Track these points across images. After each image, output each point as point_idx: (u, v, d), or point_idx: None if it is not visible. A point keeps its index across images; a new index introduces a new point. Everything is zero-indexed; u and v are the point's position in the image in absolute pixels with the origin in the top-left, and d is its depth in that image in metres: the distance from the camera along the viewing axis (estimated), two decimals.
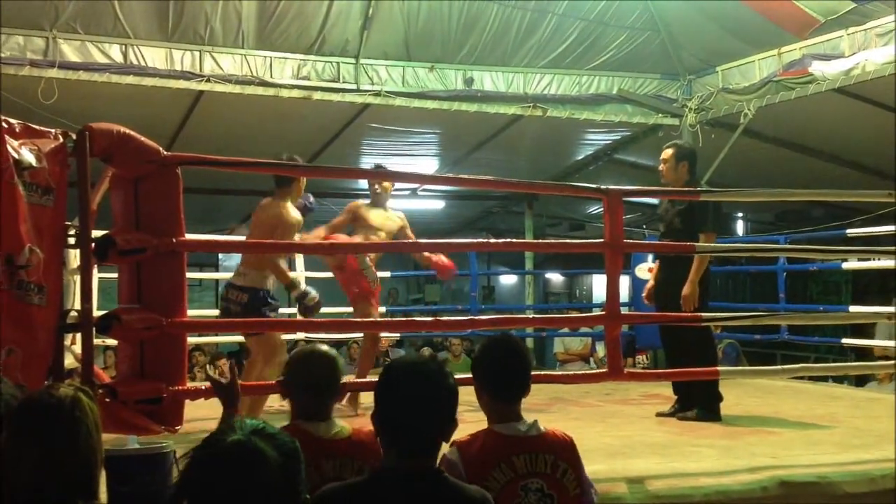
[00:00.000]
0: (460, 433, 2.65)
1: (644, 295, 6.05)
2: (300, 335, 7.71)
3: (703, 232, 5.56)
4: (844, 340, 8.69)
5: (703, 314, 5.23)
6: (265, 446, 1.62)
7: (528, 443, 2.69)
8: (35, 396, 2.23)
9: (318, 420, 2.78)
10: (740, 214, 14.74)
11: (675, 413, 5.71)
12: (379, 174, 6.57)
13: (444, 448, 2.40)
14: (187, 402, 3.82)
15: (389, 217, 6.38)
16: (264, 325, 5.20)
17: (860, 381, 8.81)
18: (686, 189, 5.67)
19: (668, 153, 5.90)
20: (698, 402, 5.59)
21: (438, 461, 2.38)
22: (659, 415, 5.74)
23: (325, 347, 3.05)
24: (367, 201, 6.50)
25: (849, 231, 8.07)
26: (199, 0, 7.92)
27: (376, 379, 2.35)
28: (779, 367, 8.04)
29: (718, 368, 5.00)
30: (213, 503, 1.59)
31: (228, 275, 15.08)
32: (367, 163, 10.70)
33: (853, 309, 8.57)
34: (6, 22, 7.38)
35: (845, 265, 8.43)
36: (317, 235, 6.17)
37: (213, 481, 1.59)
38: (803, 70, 8.05)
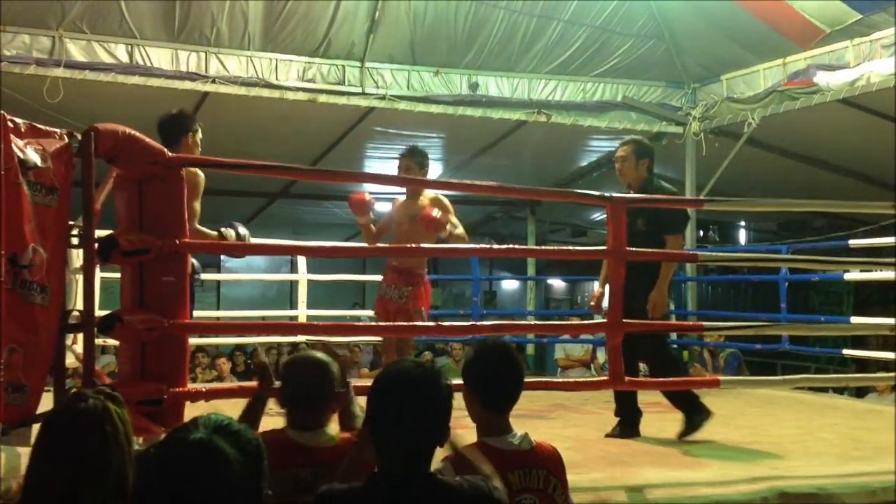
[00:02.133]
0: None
1: (592, 304, 5.67)
2: (301, 338, 7.71)
3: (670, 234, 5.26)
4: (845, 351, 8.68)
5: (705, 323, 5.15)
6: (226, 445, 1.61)
7: (522, 457, 2.63)
8: (66, 409, 2.18)
9: (307, 429, 2.73)
10: (743, 223, 14.75)
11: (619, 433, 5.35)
12: (381, 178, 6.46)
13: (437, 459, 2.38)
14: (188, 403, 3.82)
15: (413, 204, 5.69)
16: (265, 329, 5.17)
17: (860, 392, 8.81)
18: (690, 199, 5.58)
19: (625, 150, 5.48)
20: (684, 413, 5.31)
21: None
22: (608, 436, 5.35)
23: (318, 354, 2.94)
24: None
25: (851, 242, 8.06)
26: (206, 1, 7.94)
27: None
28: (779, 377, 8.04)
29: (720, 378, 4.97)
30: (173, 502, 1.58)
31: (230, 276, 15.09)
32: (372, 166, 10.71)
33: (854, 320, 8.55)
34: (12, 20, 7.40)
35: (847, 276, 8.42)
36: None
37: (172, 480, 1.58)
38: (808, 80, 8.05)
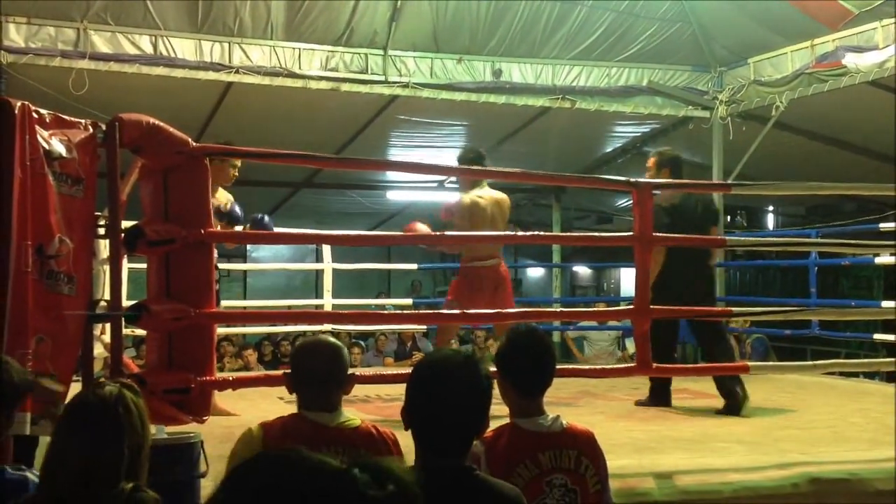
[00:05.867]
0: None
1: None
2: (327, 326, 7.72)
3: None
4: (876, 336, 8.58)
5: (734, 309, 5.12)
6: None
7: (553, 438, 2.65)
8: (82, 396, 2.34)
9: (322, 411, 2.69)
10: (771, 208, 14.61)
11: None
12: (405, 166, 6.48)
13: None
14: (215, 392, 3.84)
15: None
16: (291, 318, 5.18)
17: (891, 377, 8.71)
18: (718, 184, 5.60)
19: (651, 161, 6.09)
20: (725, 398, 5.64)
21: None
22: (638, 403, 5.97)
23: (329, 338, 2.92)
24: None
25: (881, 225, 7.97)
26: None
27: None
28: (809, 362, 7.94)
29: (748, 364, 4.93)
30: None
31: (256, 266, 15.18)
32: (395, 154, 10.70)
33: (885, 304, 8.45)
34: (37, 13, 7.45)
35: (877, 260, 8.31)
36: None
37: None
38: (836, 62, 7.96)
